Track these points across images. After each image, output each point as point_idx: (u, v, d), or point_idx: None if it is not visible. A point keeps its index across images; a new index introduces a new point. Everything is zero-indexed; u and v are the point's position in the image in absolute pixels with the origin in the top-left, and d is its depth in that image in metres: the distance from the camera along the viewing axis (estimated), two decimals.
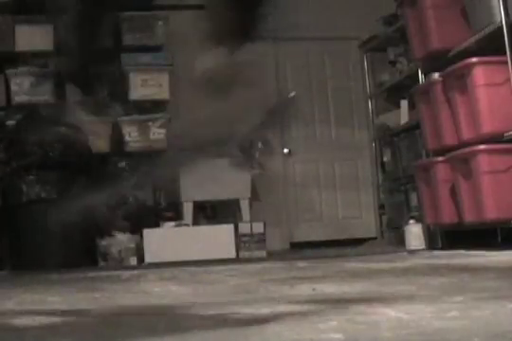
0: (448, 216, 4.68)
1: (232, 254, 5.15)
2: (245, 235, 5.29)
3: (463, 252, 4.20)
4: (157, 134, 5.60)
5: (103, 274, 3.95)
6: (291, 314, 1.61)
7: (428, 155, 5.17)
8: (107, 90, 5.65)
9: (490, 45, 4.24)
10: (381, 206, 6.55)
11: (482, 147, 4.15)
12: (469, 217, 4.33)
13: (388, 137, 6.30)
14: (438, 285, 2.24)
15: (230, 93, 2.34)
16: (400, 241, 5.24)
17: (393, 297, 1.87)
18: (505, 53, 4.10)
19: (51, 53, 5.62)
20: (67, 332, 1.53)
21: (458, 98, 4.43)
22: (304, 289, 2.31)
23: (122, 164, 5.56)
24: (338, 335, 1.26)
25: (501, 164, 4.10)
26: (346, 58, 6.99)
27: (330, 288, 2.27)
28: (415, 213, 5.39)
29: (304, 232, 6.65)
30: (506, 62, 4.09)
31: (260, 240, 5.42)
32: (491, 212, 4.11)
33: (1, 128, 5.27)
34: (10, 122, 5.28)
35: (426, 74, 5.11)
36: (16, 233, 4.94)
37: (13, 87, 5.50)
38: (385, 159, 6.43)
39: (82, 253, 4.98)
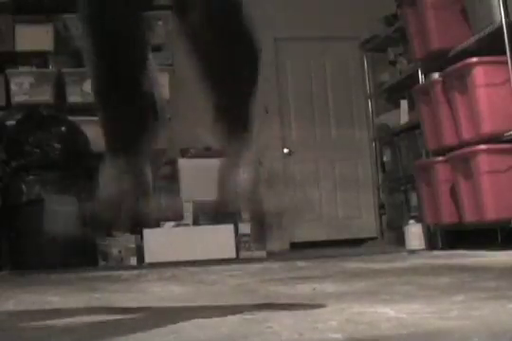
0: (448, 216, 4.68)
1: (232, 254, 5.14)
2: (245, 235, 5.28)
3: (463, 252, 4.20)
4: None
5: (103, 274, 3.95)
6: (291, 314, 1.61)
7: (428, 155, 5.17)
8: None
9: (490, 45, 4.24)
10: (381, 206, 6.56)
11: (482, 147, 4.15)
12: (469, 217, 4.33)
13: (388, 137, 6.30)
14: (438, 285, 2.24)
15: None
16: (400, 241, 5.24)
17: (392, 297, 1.87)
18: (505, 53, 4.10)
19: (51, 53, 5.62)
20: (67, 333, 1.53)
21: (458, 98, 4.43)
22: (304, 289, 2.31)
23: None
24: (338, 335, 1.26)
25: (501, 164, 4.10)
26: (346, 58, 6.99)
27: (330, 288, 2.26)
28: (415, 213, 5.39)
29: (304, 232, 6.64)
30: (506, 62, 4.10)
31: None
32: (491, 212, 4.11)
33: (1, 128, 5.26)
34: (10, 122, 5.27)
35: (426, 74, 5.11)
36: (16, 233, 4.94)
37: (13, 87, 5.50)
38: (385, 159, 6.43)
39: (81, 253, 4.98)
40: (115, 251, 5.08)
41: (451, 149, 4.56)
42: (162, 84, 6.08)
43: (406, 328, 1.31)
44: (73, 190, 4.98)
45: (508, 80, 4.11)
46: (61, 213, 4.62)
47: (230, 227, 5.26)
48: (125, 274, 3.77)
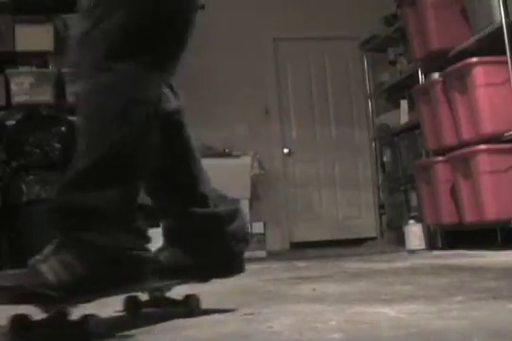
0: (448, 216, 4.68)
1: None
2: None
3: (463, 252, 4.20)
4: None
5: None
6: (291, 314, 1.61)
7: (428, 155, 5.17)
8: None
9: (490, 45, 4.24)
10: (381, 206, 6.56)
11: (482, 147, 4.15)
12: (469, 217, 4.33)
13: (388, 137, 6.30)
14: (438, 285, 2.24)
15: None
16: (400, 241, 5.24)
17: (392, 297, 1.87)
18: (505, 53, 4.10)
19: (51, 53, 5.62)
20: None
21: (458, 98, 4.43)
22: (304, 289, 2.31)
23: None
24: (338, 335, 1.26)
25: (501, 164, 4.10)
26: (346, 58, 6.99)
27: (330, 288, 2.26)
28: (415, 213, 5.39)
29: (304, 232, 6.65)
30: (506, 62, 4.10)
31: (260, 240, 5.42)
32: (491, 212, 4.11)
33: (1, 128, 5.27)
34: (10, 122, 5.27)
35: (426, 74, 5.11)
36: (16, 233, 4.94)
37: (13, 87, 5.50)
38: (385, 159, 6.43)
39: None
40: None
41: (451, 149, 4.56)
42: None
43: (406, 328, 1.31)
44: None
45: (508, 80, 4.11)
46: None
47: None
48: None
